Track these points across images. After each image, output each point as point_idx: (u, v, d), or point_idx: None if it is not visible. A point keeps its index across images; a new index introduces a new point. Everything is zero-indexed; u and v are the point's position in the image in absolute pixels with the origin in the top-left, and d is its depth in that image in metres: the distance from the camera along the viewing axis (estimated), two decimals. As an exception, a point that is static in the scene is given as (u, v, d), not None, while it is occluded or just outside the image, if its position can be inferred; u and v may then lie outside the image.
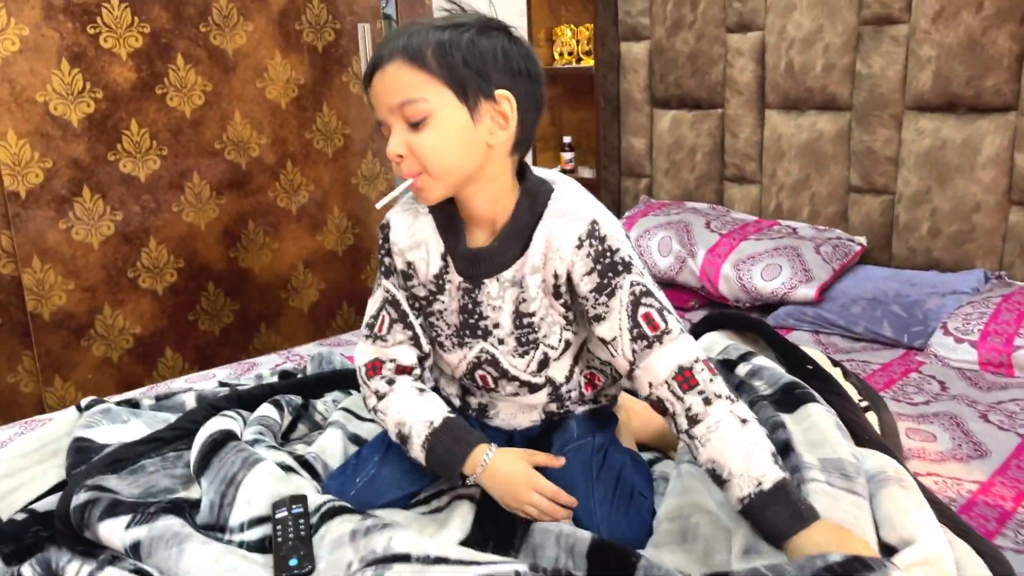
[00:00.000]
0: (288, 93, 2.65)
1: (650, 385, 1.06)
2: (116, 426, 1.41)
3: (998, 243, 2.13)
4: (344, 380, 1.61)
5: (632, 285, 1.07)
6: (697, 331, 1.72)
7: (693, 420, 1.03)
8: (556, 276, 1.10)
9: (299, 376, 1.66)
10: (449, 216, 1.16)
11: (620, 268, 1.07)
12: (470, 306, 1.15)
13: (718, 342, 1.62)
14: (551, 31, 3.03)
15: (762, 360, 1.45)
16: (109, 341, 2.44)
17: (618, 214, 2.96)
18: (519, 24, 3.07)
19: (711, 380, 1.04)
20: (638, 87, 2.80)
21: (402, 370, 1.21)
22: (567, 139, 3.03)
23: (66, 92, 2.26)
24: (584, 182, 3.02)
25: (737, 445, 1.00)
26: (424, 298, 1.20)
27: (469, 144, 1.06)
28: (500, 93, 1.04)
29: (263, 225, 2.69)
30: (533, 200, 1.11)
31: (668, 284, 2.39)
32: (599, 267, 1.07)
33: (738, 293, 2.23)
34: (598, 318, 1.09)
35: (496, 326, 1.16)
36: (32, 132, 2.22)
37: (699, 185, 2.71)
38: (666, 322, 1.07)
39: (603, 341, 1.10)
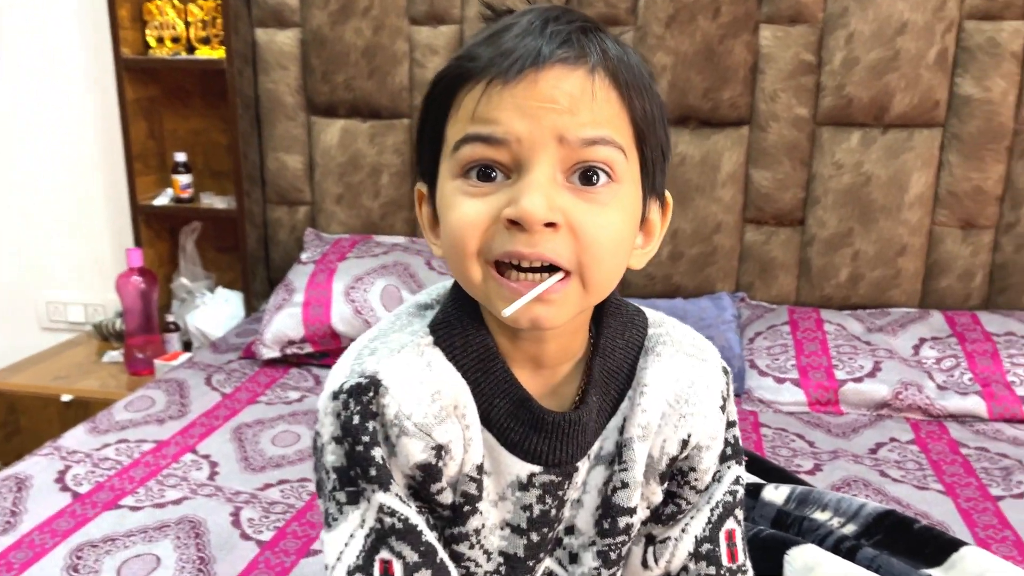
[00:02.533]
0: None
1: None
2: None
3: (735, 264, 2.04)
4: None
5: (735, 482, 0.76)
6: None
7: None
8: (684, 444, 0.72)
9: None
10: (484, 354, 0.68)
11: (733, 450, 0.76)
12: (541, 513, 0.71)
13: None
14: (141, 7, 2.18)
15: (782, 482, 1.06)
16: None
17: (268, 254, 2.26)
18: (92, -7, 2.16)
19: None
20: (288, 88, 2.15)
21: None
22: (180, 156, 2.22)
23: None
24: (217, 214, 2.27)
25: None
26: (450, 511, 0.70)
27: (630, 246, 0.67)
28: (668, 194, 0.70)
29: None
30: (626, 321, 0.74)
31: (401, 348, 1.84)
32: (727, 448, 0.75)
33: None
34: (670, 516, 0.75)
35: (570, 531, 0.74)
36: None
37: (387, 214, 2.18)
38: (744, 556, 0.77)
39: (650, 540, 0.76)
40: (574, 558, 0.74)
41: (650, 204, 0.67)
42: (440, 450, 0.66)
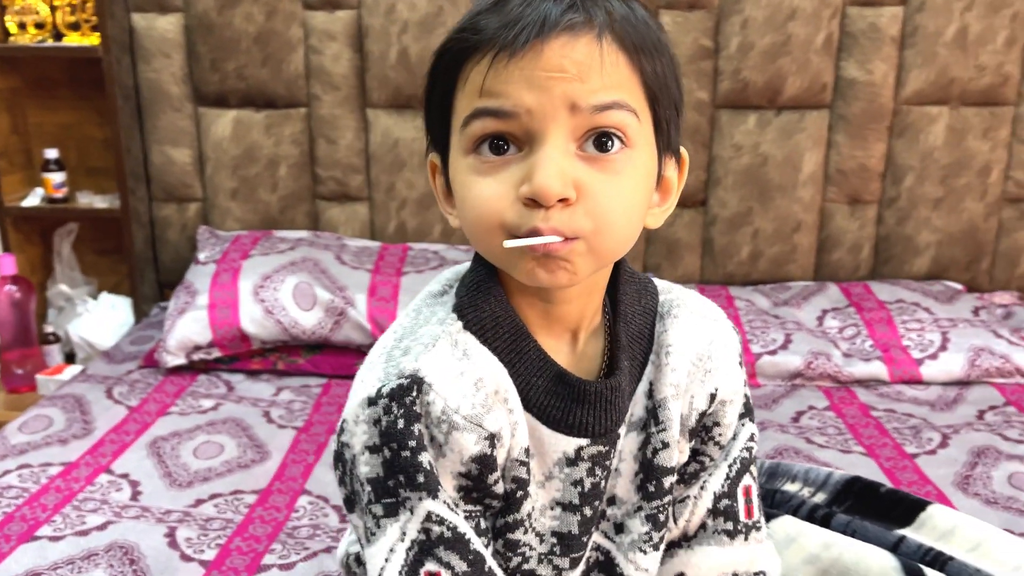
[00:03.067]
0: None
1: None
2: None
3: (642, 246, 2.08)
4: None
5: (751, 439, 0.78)
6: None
7: None
8: (712, 399, 0.74)
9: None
10: (515, 333, 0.68)
11: (747, 407, 0.78)
12: (592, 486, 0.71)
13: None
14: (-2, -10, 1.99)
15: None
16: None
17: (156, 256, 2.13)
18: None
19: None
20: (172, 78, 2.01)
21: None
22: (51, 153, 2.05)
23: None
24: (96, 214, 2.11)
25: None
26: (502, 500, 0.69)
27: (644, 210, 0.66)
28: (683, 150, 0.71)
29: None
30: (639, 288, 0.75)
31: (317, 346, 1.77)
32: (742, 406, 0.77)
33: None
34: (693, 475, 0.76)
35: (611, 502, 0.75)
36: None
37: (286, 208, 2.08)
38: (759, 512, 0.79)
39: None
40: (620, 528, 0.74)
41: (666, 162, 0.68)
42: (493, 438, 0.65)
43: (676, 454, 0.73)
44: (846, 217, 2.05)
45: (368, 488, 0.64)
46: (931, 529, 0.96)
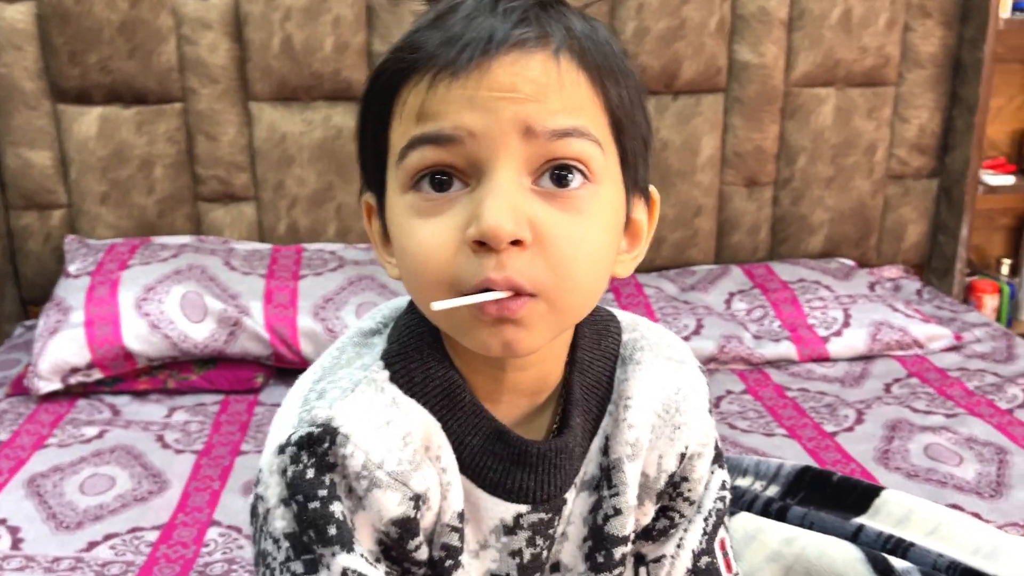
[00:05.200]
0: None
1: None
2: None
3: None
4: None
5: (722, 487, 0.71)
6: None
7: None
8: (682, 458, 0.67)
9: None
10: (449, 387, 0.60)
11: (717, 453, 0.71)
12: (532, 556, 0.63)
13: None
14: None
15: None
16: None
17: (16, 269, 1.93)
18: None
19: None
20: (25, 73, 1.82)
21: None
22: None
23: None
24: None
25: None
26: (428, 568, 0.61)
27: (612, 257, 0.59)
28: (653, 189, 0.63)
29: None
30: (600, 329, 0.67)
31: (211, 361, 1.64)
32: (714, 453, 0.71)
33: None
34: (662, 531, 0.69)
35: (555, 569, 0.66)
36: None
37: (165, 211, 1.92)
38: (735, 562, 0.73)
39: (640, 560, 0.69)
40: None
41: (634, 202, 0.60)
42: (418, 500, 0.57)
43: (631, 522, 0.65)
44: (744, 199, 2.07)
45: (285, 544, 0.56)
46: (887, 515, 0.96)
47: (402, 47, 0.55)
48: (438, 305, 0.52)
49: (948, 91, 2.05)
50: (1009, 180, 2.09)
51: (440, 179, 0.53)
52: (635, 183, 0.59)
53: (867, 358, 1.75)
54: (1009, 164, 2.16)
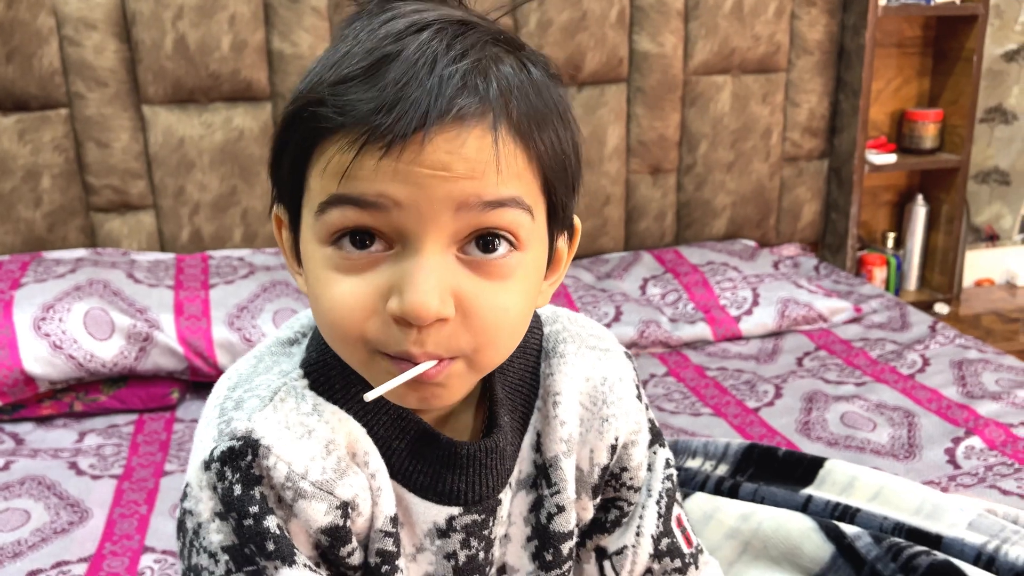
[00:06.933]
0: None
1: None
2: None
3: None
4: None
5: (667, 465, 0.71)
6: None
7: None
8: (613, 450, 0.67)
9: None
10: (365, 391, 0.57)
11: (654, 433, 0.71)
12: (468, 559, 0.63)
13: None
14: None
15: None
16: None
17: None
18: None
19: None
20: None
21: None
22: None
23: None
24: None
25: None
26: (363, 574, 0.60)
27: (532, 307, 0.59)
28: (576, 219, 0.62)
29: None
30: None
31: (121, 379, 1.56)
32: (649, 433, 0.70)
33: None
34: (615, 522, 0.70)
35: (503, 571, 0.67)
36: None
37: (55, 224, 1.81)
38: (694, 534, 0.74)
39: (602, 554, 0.70)
40: None
41: (557, 236, 0.59)
42: (346, 507, 0.56)
43: (574, 516, 0.66)
44: (649, 187, 2.11)
45: (225, 558, 0.55)
46: (832, 484, 1.00)
47: (325, 99, 0.50)
48: (371, 395, 0.52)
49: (834, 76, 2.16)
50: (891, 158, 2.21)
51: (362, 238, 0.51)
52: (561, 225, 0.59)
53: (777, 334, 1.82)
54: (890, 143, 2.29)
